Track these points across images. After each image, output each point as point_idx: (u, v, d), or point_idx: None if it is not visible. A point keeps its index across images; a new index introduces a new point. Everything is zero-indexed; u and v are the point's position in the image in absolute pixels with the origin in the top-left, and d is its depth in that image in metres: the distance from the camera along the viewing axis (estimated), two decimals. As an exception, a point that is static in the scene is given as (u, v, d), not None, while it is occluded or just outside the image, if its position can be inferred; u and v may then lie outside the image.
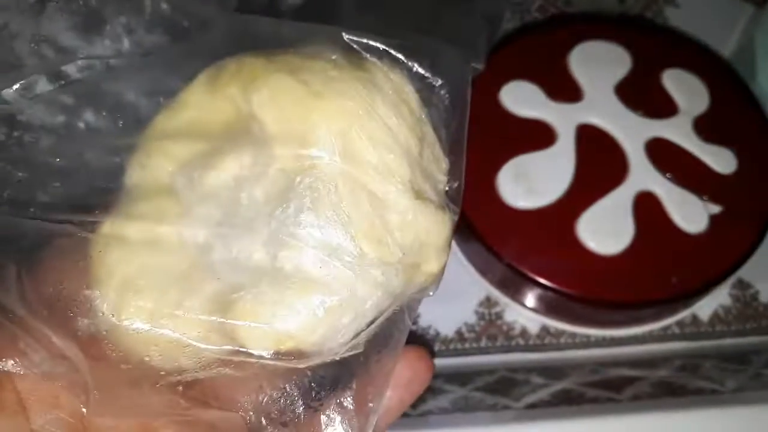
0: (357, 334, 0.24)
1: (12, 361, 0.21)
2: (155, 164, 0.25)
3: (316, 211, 0.23)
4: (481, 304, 0.44)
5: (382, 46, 0.26)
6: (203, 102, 0.25)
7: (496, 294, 0.43)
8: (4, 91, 0.26)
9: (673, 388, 0.36)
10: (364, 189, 0.24)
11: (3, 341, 0.21)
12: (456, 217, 0.27)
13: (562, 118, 0.41)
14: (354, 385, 0.25)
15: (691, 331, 0.44)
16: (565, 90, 0.42)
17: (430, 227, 0.25)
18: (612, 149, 0.41)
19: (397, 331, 0.25)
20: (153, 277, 0.23)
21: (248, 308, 0.22)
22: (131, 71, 0.28)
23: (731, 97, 0.43)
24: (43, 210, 0.25)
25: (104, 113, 0.27)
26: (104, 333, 0.22)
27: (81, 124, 0.27)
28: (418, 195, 0.25)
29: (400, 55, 0.27)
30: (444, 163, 0.27)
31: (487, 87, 0.42)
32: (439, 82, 0.27)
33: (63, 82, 0.27)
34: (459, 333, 0.43)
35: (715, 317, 0.44)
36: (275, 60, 0.25)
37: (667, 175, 0.40)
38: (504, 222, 0.39)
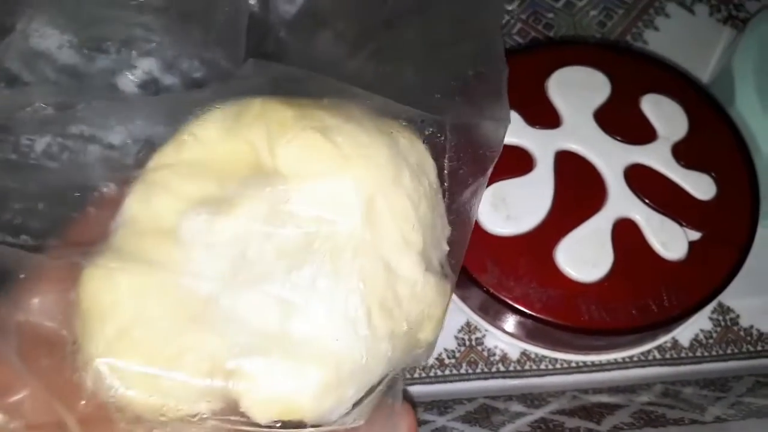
0: (356, 403, 0.24)
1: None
2: (159, 201, 0.23)
3: (335, 279, 0.22)
4: (461, 330, 0.44)
5: (410, 115, 0.26)
6: (218, 140, 0.24)
7: (477, 320, 0.43)
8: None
9: (653, 417, 0.36)
10: (381, 259, 0.23)
11: None
12: (453, 285, 0.27)
13: (541, 144, 0.41)
14: None
15: (671, 356, 0.44)
16: (544, 116, 0.42)
17: (434, 299, 0.25)
18: (591, 175, 0.40)
19: (391, 398, 0.25)
20: (149, 329, 0.21)
21: (256, 374, 0.21)
22: (146, 101, 0.28)
23: (710, 123, 0.43)
24: (34, 236, 0.24)
25: (115, 136, 0.26)
26: (98, 392, 0.21)
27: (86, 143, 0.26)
28: (427, 266, 0.25)
29: (429, 128, 0.27)
30: (447, 231, 0.27)
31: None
32: (461, 155, 0.28)
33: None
34: (439, 359, 0.43)
35: (696, 342, 0.44)
36: (307, 115, 0.24)
37: (647, 201, 0.40)
38: (483, 249, 0.39)
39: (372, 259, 0.23)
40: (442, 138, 0.27)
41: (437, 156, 0.27)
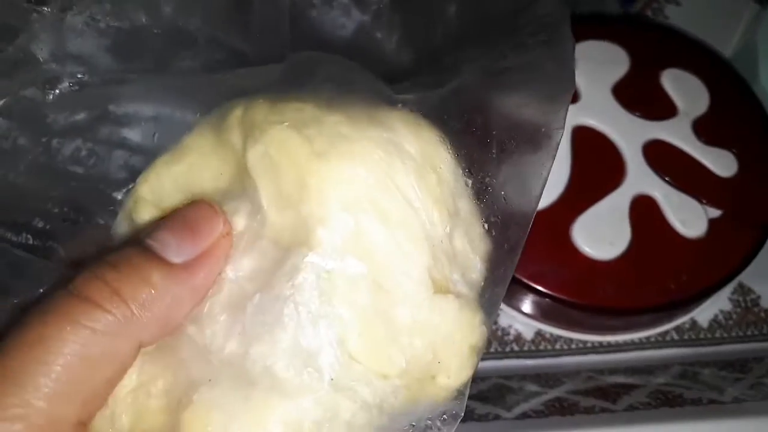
0: None
1: None
2: (143, 222, 0.22)
3: (300, 304, 0.19)
4: (475, 309, 0.43)
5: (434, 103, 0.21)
6: (206, 148, 0.22)
7: (491, 299, 0.42)
8: (28, 90, 0.25)
9: (670, 398, 0.35)
10: (366, 278, 0.19)
11: None
12: (493, 319, 0.21)
13: (558, 120, 0.40)
14: None
15: (689, 337, 0.43)
16: (561, 90, 0.41)
17: (451, 329, 0.20)
18: (609, 151, 0.40)
19: None
20: None
21: (199, 415, 0.19)
22: (170, 84, 0.26)
23: (732, 98, 0.42)
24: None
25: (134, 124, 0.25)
26: None
27: (107, 130, 0.25)
28: (441, 287, 0.20)
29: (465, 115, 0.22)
30: (484, 246, 0.22)
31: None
32: (506, 144, 0.22)
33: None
34: (452, 338, 0.42)
35: (715, 323, 0.43)
36: (282, 108, 0.21)
37: (666, 178, 0.39)
38: (498, 226, 0.38)
39: (353, 279, 0.19)
40: (481, 123, 0.23)
41: (471, 148, 0.22)
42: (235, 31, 0.28)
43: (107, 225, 0.23)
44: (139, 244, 0.20)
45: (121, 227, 0.22)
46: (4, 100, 0.24)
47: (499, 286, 0.22)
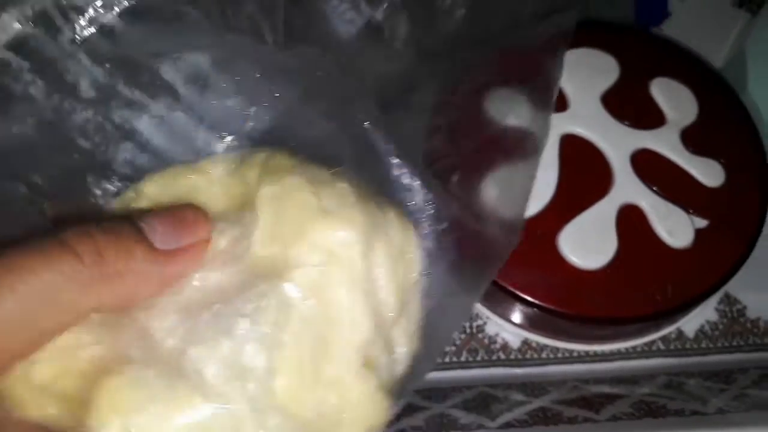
0: None
1: None
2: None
3: (255, 323, 0.20)
4: (461, 317, 0.43)
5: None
6: (217, 176, 0.25)
7: (478, 307, 0.42)
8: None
9: (653, 408, 0.35)
10: (313, 327, 0.21)
11: None
12: (395, 410, 0.24)
13: (546, 128, 0.40)
14: None
15: (675, 347, 0.43)
16: (550, 99, 0.41)
17: (359, 405, 0.22)
18: (596, 160, 0.39)
19: None
20: None
21: (121, 385, 0.20)
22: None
23: (720, 108, 0.42)
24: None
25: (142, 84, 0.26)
26: None
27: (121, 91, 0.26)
28: (368, 364, 0.23)
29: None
30: (414, 344, 0.25)
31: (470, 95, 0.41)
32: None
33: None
34: (439, 346, 0.42)
35: (701, 333, 0.43)
36: (304, 165, 0.24)
37: (653, 187, 0.39)
38: (484, 234, 0.38)
39: (304, 323, 0.21)
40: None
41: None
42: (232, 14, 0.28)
43: (97, 204, 0.25)
44: (133, 223, 0.22)
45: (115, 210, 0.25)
46: (17, 30, 0.23)
47: (414, 381, 0.25)
